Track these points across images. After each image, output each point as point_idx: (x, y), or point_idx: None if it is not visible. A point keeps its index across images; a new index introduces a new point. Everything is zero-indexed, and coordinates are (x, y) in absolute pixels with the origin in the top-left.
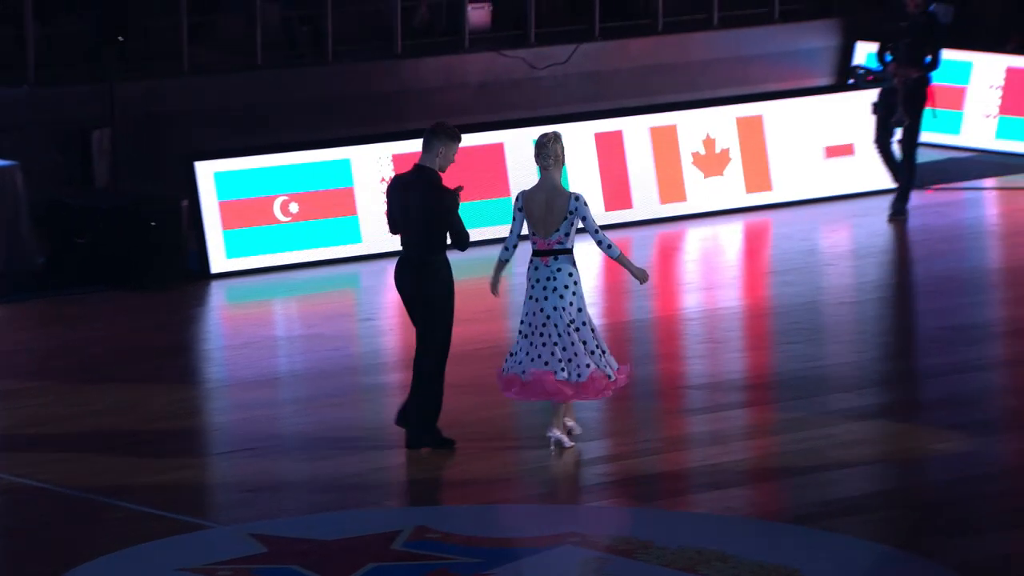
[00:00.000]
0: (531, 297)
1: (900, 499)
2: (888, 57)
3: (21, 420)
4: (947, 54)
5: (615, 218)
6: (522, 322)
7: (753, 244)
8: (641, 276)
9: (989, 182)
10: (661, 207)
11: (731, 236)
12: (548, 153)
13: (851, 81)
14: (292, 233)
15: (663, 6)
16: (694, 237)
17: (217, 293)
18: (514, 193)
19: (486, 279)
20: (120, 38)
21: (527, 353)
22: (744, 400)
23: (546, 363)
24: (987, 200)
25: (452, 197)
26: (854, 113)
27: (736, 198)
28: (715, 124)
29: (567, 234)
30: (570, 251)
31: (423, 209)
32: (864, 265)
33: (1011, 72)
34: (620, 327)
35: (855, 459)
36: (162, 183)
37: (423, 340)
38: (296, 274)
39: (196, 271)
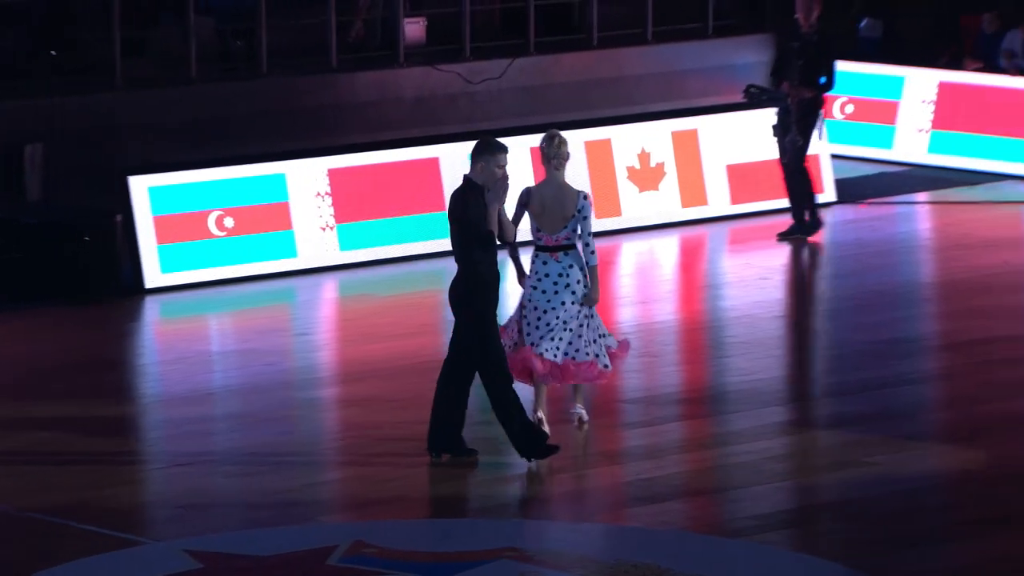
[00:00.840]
0: (537, 289)
1: (836, 512)
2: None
3: None
4: (880, 69)
5: None
6: (524, 308)
7: (688, 258)
8: (594, 298)
9: (922, 196)
10: (597, 221)
11: (666, 250)
12: (559, 154)
13: (744, 100)
14: (227, 248)
15: (598, 21)
16: (629, 251)
17: (151, 308)
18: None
19: (419, 294)
20: (53, 52)
21: (542, 337)
22: (680, 414)
23: (571, 346)
24: (920, 214)
25: (477, 204)
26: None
27: (672, 212)
28: (650, 138)
29: (574, 230)
30: (575, 246)
31: (450, 221)
32: (799, 279)
33: (943, 87)
34: None
35: (791, 472)
36: (96, 198)
37: (456, 345)
38: (231, 289)
39: (130, 286)
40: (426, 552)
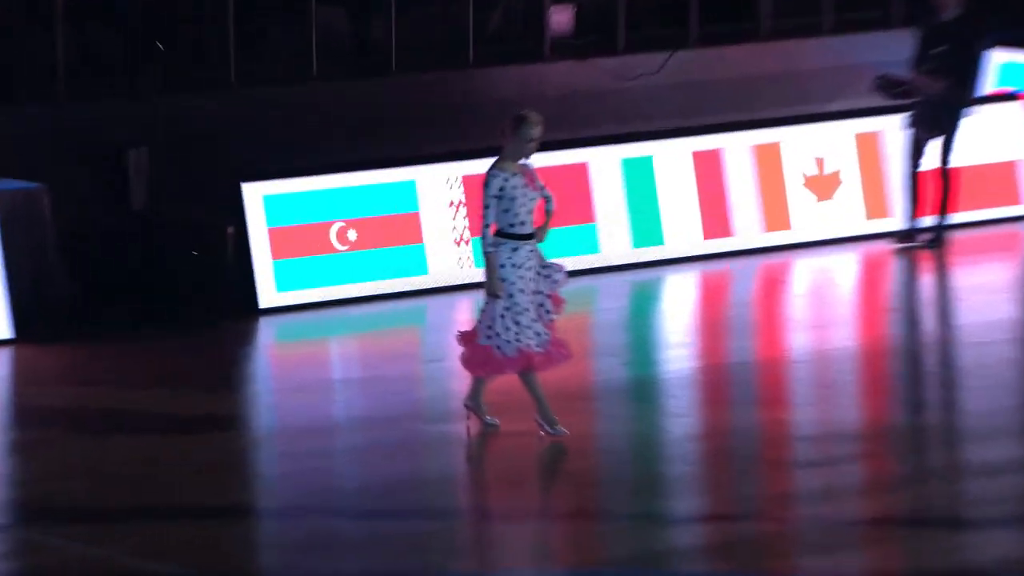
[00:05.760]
0: (527, 279)
1: None
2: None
3: (49, 471)
4: None
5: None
6: (518, 303)
7: (872, 275)
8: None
9: None
10: (766, 235)
11: (845, 267)
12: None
13: (874, 91)
14: (350, 263)
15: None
16: (803, 269)
17: (266, 330)
18: (600, 218)
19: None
20: (160, 46)
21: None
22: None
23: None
24: None
25: None
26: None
27: (852, 225)
28: (827, 142)
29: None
30: None
31: None
32: (993, 300)
33: None
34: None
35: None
36: (203, 206)
37: None
38: (354, 309)
39: (243, 306)
40: None
